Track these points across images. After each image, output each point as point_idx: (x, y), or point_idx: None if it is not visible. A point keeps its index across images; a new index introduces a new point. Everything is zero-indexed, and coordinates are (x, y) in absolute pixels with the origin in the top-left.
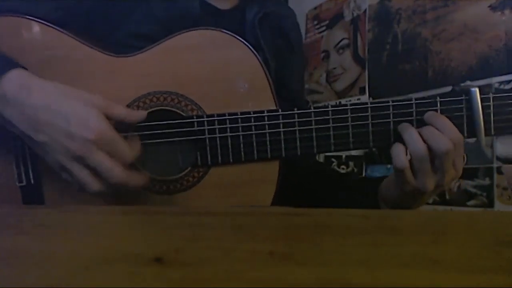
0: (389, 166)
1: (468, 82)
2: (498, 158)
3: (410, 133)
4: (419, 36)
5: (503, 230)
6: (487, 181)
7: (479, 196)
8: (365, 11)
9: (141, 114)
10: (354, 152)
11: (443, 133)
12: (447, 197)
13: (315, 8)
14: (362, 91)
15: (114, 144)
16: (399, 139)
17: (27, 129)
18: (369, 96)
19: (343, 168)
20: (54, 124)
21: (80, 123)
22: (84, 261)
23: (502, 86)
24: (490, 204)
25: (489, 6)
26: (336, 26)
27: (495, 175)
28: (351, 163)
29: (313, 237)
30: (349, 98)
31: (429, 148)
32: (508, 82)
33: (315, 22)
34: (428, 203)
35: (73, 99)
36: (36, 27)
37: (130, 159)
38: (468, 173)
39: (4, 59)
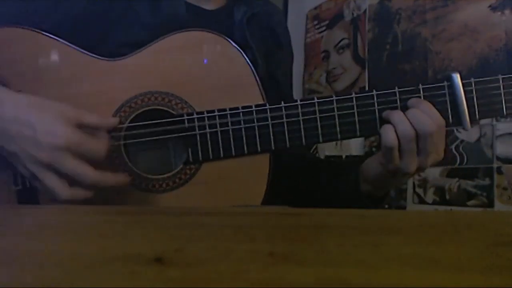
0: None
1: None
2: (498, 158)
3: (397, 115)
4: (419, 36)
5: (503, 230)
6: (487, 181)
7: (479, 196)
8: (365, 11)
9: (114, 120)
10: (354, 152)
11: (427, 116)
12: (447, 197)
13: (315, 8)
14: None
15: (82, 146)
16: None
17: (0, 140)
18: None
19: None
20: (22, 134)
21: (46, 131)
22: (84, 261)
23: None
24: (490, 204)
25: (489, 6)
26: (336, 26)
27: (495, 175)
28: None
29: (313, 237)
30: None
31: (414, 130)
32: None
33: (315, 22)
34: (428, 203)
35: (42, 111)
36: (27, 35)
37: (100, 156)
38: (468, 173)
39: None
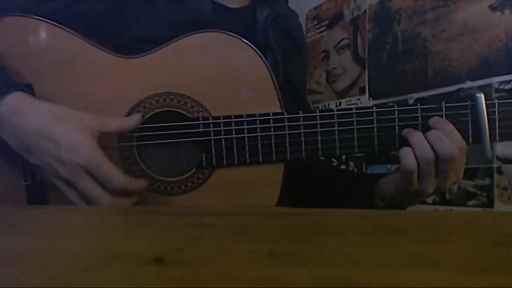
0: (389, 166)
1: (468, 82)
2: (498, 158)
3: (417, 136)
4: (419, 36)
5: (503, 230)
6: (487, 181)
7: (479, 196)
8: (365, 11)
9: (135, 119)
10: None
11: (449, 139)
12: (447, 197)
13: (315, 8)
14: (362, 91)
15: (102, 171)
16: (405, 144)
17: (21, 151)
18: (369, 96)
19: (343, 168)
20: (45, 148)
21: (70, 148)
22: (84, 261)
23: (502, 86)
24: (490, 204)
25: (489, 6)
26: (336, 26)
27: (495, 175)
28: (351, 163)
29: (313, 237)
30: (349, 98)
31: (435, 152)
32: (508, 82)
33: (315, 22)
34: (428, 203)
35: (65, 123)
36: (41, 27)
37: (116, 188)
38: (468, 173)
39: (5, 79)
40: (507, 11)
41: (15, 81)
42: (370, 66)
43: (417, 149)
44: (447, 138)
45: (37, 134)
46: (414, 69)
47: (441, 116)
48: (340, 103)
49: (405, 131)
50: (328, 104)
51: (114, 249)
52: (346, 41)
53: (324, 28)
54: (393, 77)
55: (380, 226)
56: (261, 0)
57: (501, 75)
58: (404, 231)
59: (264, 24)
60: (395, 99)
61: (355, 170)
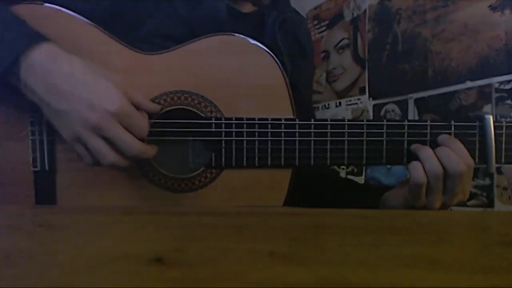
0: (389, 166)
1: (468, 82)
2: None
3: (427, 151)
4: (419, 36)
5: (503, 230)
6: (487, 181)
7: (479, 196)
8: (365, 11)
9: (157, 106)
10: None
11: (458, 156)
12: None
13: (315, 8)
14: (362, 91)
15: (133, 118)
16: (413, 159)
17: (48, 96)
18: (369, 96)
19: (343, 169)
20: (76, 93)
21: (102, 95)
22: (84, 261)
23: (502, 86)
24: (490, 204)
25: (489, 6)
26: (336, 26)
27: (495, 175)
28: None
29: (313, 237)
30: (349, 98)
31: (444, 169)
32: (508, 82)
33: (315, 22)
34: None
35: (97, 74)
36: (63, 16)
37: (145, 133)
38: None
39: (35, 33)
40: (507, 11)
41: (45, 35)
42: (370, 66)
43: (426, 164)
44: (455, 155)
45: (70, 78)
46: (414, 69)
47: (450, 134)
48: (340, 103)
49: (414, 146)
50: (328, 104)
51: (114, 249)
52: (346, 41)
53: (324, 28)
54: (393, 77)
55: (380, 226)
56: (269, 5)
57: (501, 75)
58: (404, 231)
59: (272, 27)
60: (395, 99)
61: (355, 170)
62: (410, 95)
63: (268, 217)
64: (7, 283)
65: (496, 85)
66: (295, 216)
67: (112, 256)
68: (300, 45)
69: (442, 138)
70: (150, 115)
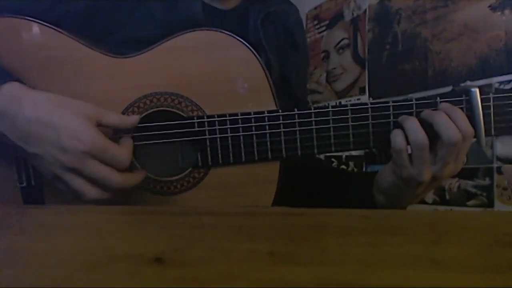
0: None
1: (468, 82)
2: (498, 158)
3: (411, 122)
4: (419, 36)
5: (503, 230)
6: (487, 181)
7: (479, 196)
8: (365, 11)
9: (134, 119)
10: (354, 152)
11: (455, 124)
12: (447, 197)
13: (315, 8)
14: (362, 91)
15: (108, 151)
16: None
17: (19, 141)
18: (369, 96)
19: (343, 167)
20: (45, 137)
21: (71, 135)
22: (84, 261)
23: (502, 86)
24: (490, 204)
25: (489, 6)
26: (336, 26)
27: (495, 175)
28: (351, 163)
29: (313, 237)
30: (349, 98)
31: (439, 135)
32: (508, 82)
33: (315, 22)
34: (428, 203)
35: (64, 110)
36: (34, 28)
37: (125, 164)
38: (468, 173)
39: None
40: (507, 11)
41: (8, 71)
42: (370, 66)
43: (409, 134)
44: (452, 123)
45: (36, 122)
46: (414, 69)
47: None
48: (340, 103)
49: (400, 118)
50: (328, 104)
51: (114, 249)
52: (346, 41)
53: (324, 28)
54: (393, 77)
55: (380, 226)
56: None
57: (501, 75)
58: (404, 231)
59: (254, 24)
60: (395, 99)
61: (355, 170)
62: (410, 95)
63: (268, 217)
64: (6, 283)
65: (496, 85)
66: (295, 216)
67: (112, 256)
68: (290, 37)
69: (442, 105)
70: (130, 129)
